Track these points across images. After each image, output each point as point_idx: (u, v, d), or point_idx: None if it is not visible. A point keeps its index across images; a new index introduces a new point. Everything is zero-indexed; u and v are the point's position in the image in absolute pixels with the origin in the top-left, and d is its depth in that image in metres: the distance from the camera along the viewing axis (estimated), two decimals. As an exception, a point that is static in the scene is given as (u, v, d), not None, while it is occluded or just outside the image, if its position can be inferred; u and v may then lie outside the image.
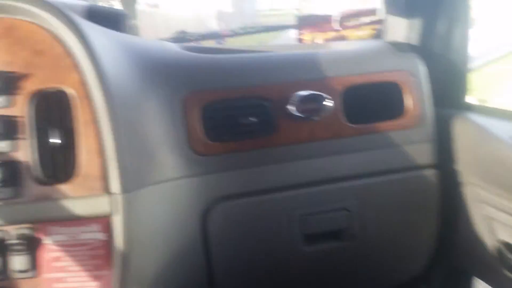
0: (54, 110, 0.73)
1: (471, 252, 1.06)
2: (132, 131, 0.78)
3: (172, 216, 0.87)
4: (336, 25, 6.20)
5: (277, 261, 1.02)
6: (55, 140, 0.72)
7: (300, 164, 0.96)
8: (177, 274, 0.91)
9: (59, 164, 0.73)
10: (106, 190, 0.73)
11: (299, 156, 0.96)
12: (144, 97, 0.83)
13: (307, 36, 6.19)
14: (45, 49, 0.73)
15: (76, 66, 0.73)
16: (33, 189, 0.72)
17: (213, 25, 11.87)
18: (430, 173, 1.04)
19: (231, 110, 0.93)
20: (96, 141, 0.72)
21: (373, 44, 1.14)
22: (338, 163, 0.99)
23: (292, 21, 6.92)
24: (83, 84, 0.73)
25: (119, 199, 0.73)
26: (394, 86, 1.02)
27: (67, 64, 0.73)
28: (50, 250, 0.73)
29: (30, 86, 0.73)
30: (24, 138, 0.72)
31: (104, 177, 0.72)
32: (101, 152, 0.72)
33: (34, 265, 0.73)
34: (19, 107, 0.73)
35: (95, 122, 0.73)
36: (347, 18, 6.27)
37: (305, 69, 0.98)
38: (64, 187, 0.72)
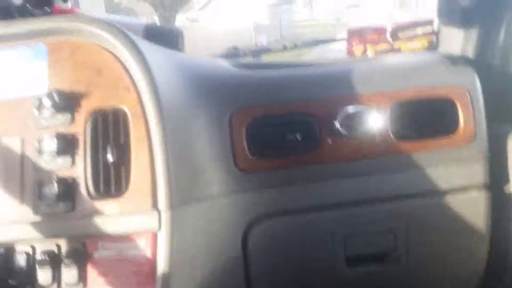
0: (109, 127, 0.75)
1: None
2: (181, 148, 0.78)
3: (214, 234, 0.86)
4: (388, 37, 6.07)
5: (316, 283, 0.99)
6: (109, 157, 0.74)
7: (344, 182, 0.94)
8: None
9: (111, 180, 0.75)
10: (154, 206, 0.73)
11: (344, 174, 0.93)
12: (194, 114, 0.84)
13: (357, 48, 6.10)
14: (105, 69, 0.76)
15: (134, 86, 0.75)
16: (86, 204, 0.74)
17: (251, 38, 12.00)
18: (482, 195, 0.98)
19: (276, 126, 0.92)
20: (148, 157, 0.73)
21: (426, 56, 1.10)
22: (384, 182, 0.95)
23: (337, 32, 6.84)
24: (139, 103, 0.74)
25: (165, 215, 0.73)
26: (447, 101, 0.97)
27: (126, 84, 0.75)
28: (98, 265, 0.74)
29: (90, 104, 0.75)
30: (80, 154, 0.75)
31: (153, 194, 0.73)
32: (151, 168, 0.73)
33: (82, 279, 0.74)
34: (78, 125, 0.75)
35: (148, 139, 0.74)
36: (401, 29, 6.11)
37: (352, 84, 0.96)
38: (115, 202, 0.74)
